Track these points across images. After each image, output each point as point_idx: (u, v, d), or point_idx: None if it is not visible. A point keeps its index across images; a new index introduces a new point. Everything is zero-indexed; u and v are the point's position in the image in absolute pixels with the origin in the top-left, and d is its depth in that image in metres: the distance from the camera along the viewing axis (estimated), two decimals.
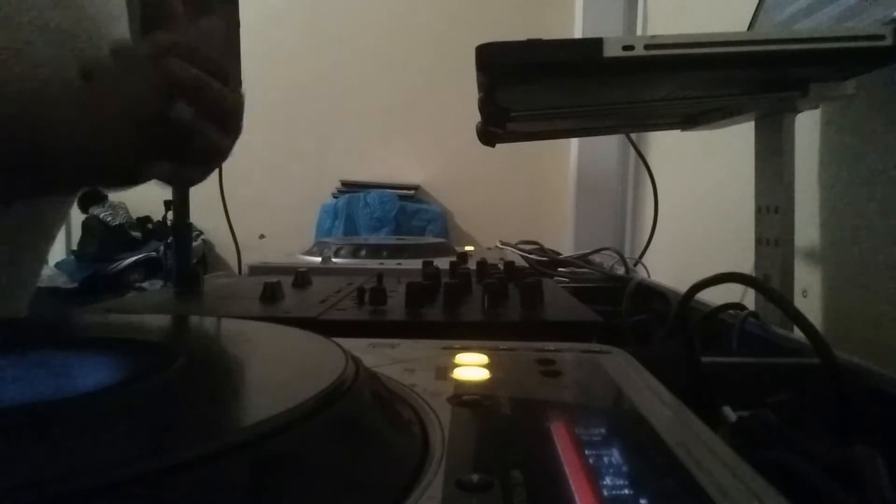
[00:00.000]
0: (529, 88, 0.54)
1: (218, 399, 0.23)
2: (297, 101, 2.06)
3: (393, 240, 1.46)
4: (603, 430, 0.23)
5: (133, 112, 0.42)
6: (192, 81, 0.43)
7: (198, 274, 0.64)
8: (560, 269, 0.97)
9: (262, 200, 2.00)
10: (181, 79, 0.43)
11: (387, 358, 0.33)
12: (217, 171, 1.02)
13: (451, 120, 1.85)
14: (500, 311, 0.50)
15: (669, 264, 1.20)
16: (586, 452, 0.21)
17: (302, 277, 0.64)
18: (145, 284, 1.82)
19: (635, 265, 1.09)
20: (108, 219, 1.92)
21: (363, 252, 0.99)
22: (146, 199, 1.97)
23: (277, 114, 2.04)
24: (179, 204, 0.62)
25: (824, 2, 0.60)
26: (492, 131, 0.70)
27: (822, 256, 0.71)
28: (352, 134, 2.07)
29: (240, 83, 0.71)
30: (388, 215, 1.85)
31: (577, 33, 1.79)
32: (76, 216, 1.98)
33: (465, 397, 0.27)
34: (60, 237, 1.99)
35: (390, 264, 0.90)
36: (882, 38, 0.45)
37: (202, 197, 0.85)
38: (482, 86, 0.53)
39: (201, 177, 0.52)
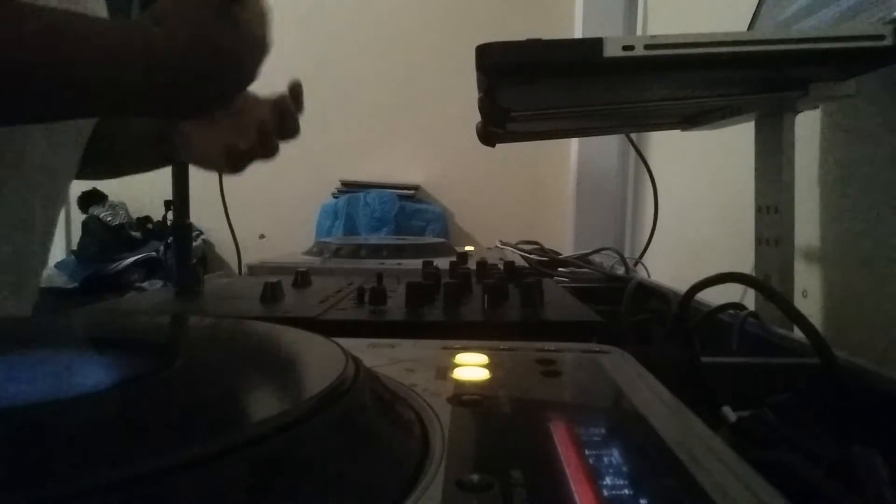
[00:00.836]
0: (529, 88, 0.54)
1: (218, 399, 0.23)
2: None
3: (393, 240, 1.46)
4: (603, 430, 0.23)
5: None
6: None
7: (198, 274, 0.64)
8: (560, 269, 0.97)
9: (262, 200, 2.00)
10: None
11: (387, 358, 0.33)
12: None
13: (451, 120, 1.85)
14: (500, 311, 0.50)
15: (669, 264, 1.20)
16: (586, 452, 0.21)
17: (302, 277, 0.64)
18: (145, 284, 1.81)
19: (635, 265, 1.09)
20: (108, 219, 1.92)
21: (363, 252, 0.99)
22: (146, 199, 1.98)
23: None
24: (179, 204, 0.62)
25: (824, 2, 0.60)
26: (492, 131, 0.70)
27: (822, 256, 0.71)
28: (352, 134, 2.07)
29: None
30: (388, 215, 1.85)
31: (577, 33, 1.79)
32: (76, 216, 1.98)
33: (465, 397, 0.27)
34: (60, 237, 1.99)
35: (390, 264, 0.90)
36: (882, 38, 0.45)
37: (202, 197, 0.85)
38: (482, 86, 0.53)
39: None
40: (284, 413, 0.19)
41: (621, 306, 0.77)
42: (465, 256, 0.84)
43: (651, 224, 1.14)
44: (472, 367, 0.32)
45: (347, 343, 0.28)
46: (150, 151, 0.65)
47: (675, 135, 0.86)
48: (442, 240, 1.42)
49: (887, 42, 0.45)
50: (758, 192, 0.65)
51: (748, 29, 0.74)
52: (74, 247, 1.97)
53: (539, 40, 0.47)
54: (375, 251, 0.99)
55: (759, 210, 0.65)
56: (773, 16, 0.70)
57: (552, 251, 1.08)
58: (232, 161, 0.59)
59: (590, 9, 1.75)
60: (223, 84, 0.42)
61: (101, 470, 0.15)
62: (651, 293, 0.77)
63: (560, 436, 0.22)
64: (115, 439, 0.18)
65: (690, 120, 0.78)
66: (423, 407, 0.26)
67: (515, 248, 1.13)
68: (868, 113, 0.63)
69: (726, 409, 0.34)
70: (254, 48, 0.42)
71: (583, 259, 1.00)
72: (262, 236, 1.94)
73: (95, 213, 1.93)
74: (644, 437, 0.23)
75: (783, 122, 0.61)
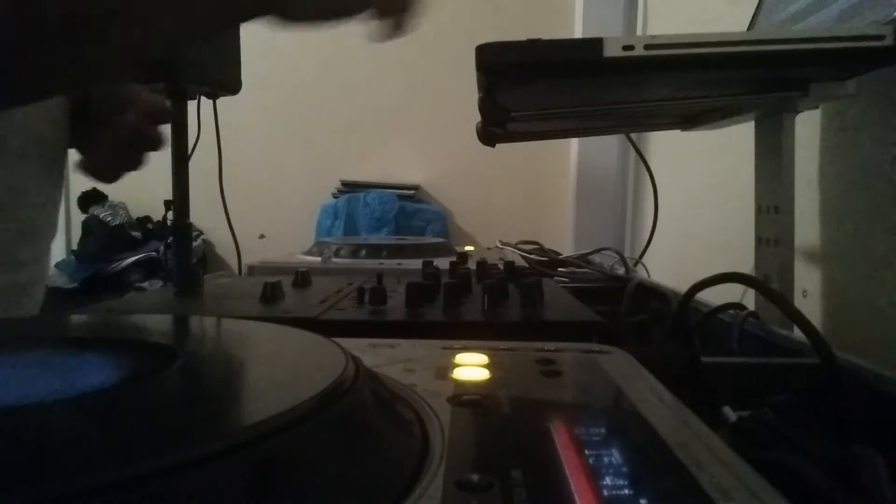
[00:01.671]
0: (529, 88, 0.54)
1: (218, 399, 0.23)
2: (297, 101, 2.06)
3: (393, 240, 1.46)
4: (603, 430, 0.23)
5: None
6: None
7: (198, 274, 0.64)
8: (560, 269, 0.97)
9: (262, 200, 2.00)
10: None
11: (387, 358, 0.33)
12: (217, 171, 1.02)
13: (451, 120, 1.85)
14: (500, 311, 0.50)
15: (669, 264, 1.20)
16: (586, 452, 0.21)
17: (302, 277, 0.64)
18: (145, 284, 1.82)
19: (635, 265, 1.09)
20: (108, 219, 1.92)
21: (363, 252, 0.99)
22: (146, 199, 1.98)
23: (277, 114, 2.04)
24: (179, 204, 0.62)
25: (824, 2, 0.60)
26: (492, 131, 0.70)
27: (822, 256, 0.71)
28: (352, 134, 2.07)
29: (240, 83, 0.71)
30: (388, 215, 1.85)
31: (577, 33, 1.79)
32: (76, 216, 1.98)
33: (465, 397, 0.27)
34: (60, 237, 1.99)
35: (390, 264, 0.90)
36: (882, 38, 0.45)
37: (202, 197, 0.85)
38: (482, 86, 0.53)
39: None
40: (284, 413, 0.19)
41: (621, 306, 0.77)
42: (465, 256, 0.84)
43: (651, 224, 1.14)
44: (472, 367, 0.32)
45: (347, 343, 0.28)
46: None
47: (675, 135, 0.86)
48: (442, 240, 1.42)
49: (887, 42, 0.45)
50: (758, 192, 0.65)
51: (748, 29, 0.74)
52: (74, 247, 1.98)
53: (539, 40, 0.47)
54: (375, 251, 0.99)
55: (759, 210, 0.65)
56: (773, 16, 0.70)
57: (552, 251, 1.08)
58: (117, 163, 0.57)
59: (590, 9, 1.75)
60: None
61: (100, 470, 0.15)
62: (651, 293, 0.77)
63: (560, 436, 0.22)
64: (114, 439, 0.18)
65: (690, 120, 0.78)
66: (422, 407, 0.26)
67: (515, 248, 1.13)
68: (868, 113, 0.63)
69: (726, 409, 0.34)
70: None
71: (583, 259, 1.00)
72: (262, 236, 1.94)
73: (95, 213, 1.94)
74: (644, 437, 0.23)
75: (783, 122, 0.61)
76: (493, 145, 0.75)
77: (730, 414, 0.34)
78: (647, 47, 0.46)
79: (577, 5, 1.83)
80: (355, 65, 2.04)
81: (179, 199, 0.62)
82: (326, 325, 0.46)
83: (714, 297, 0.53)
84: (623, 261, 0.99)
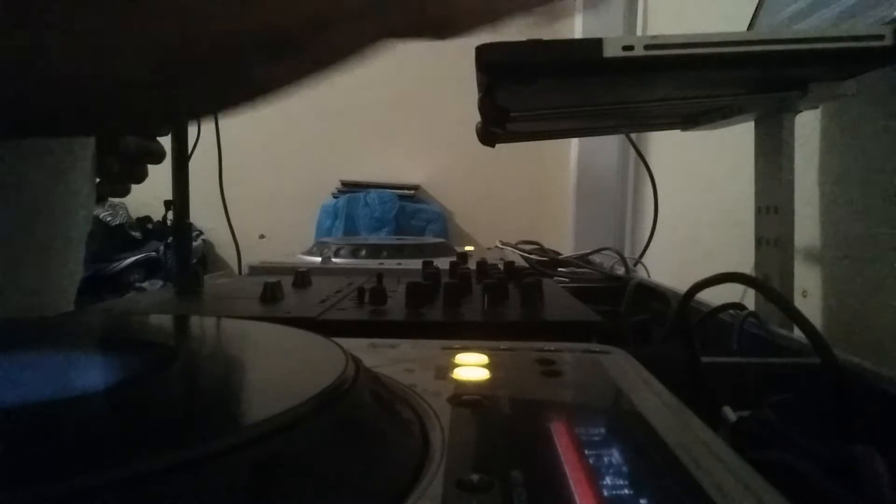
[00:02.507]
0: (529, 88, 0.54)
1: (218, 399, 0.23)
2: (297, 101, 2.05)
3: (393, 240, 1.46)
4: (603, 430, 0.23)
5: None
6: None
7: (198, 274, 0.64)
8: (560, 269, 0.97)
9: (262, 200, 2.00)
10: None
11: (387, 358, 0.33)
12: (217, 171, 1.02)
13: (451, 120, 1.85)
14: (500, 311, 0.50)
15: (669, 264, 1.20)
16: (586, 452, 0.21)
17: (302, 277, 0.64)
18: (145, 284, 1.81)
19: (635, 265, 1.09)
20: (108, 219, 1.92)
21: (363, 252, 0.99)
22: (146, 199, 1.98)
23: (277, 114, 2.03)
24: (179, 204, 0.62)
25: (824, 2, 0.60)
26: (492, 131, 0.70)
27: (822, 256, 0.71)
28: (352, 134, 2.07)
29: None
30: (388, 215, 1.85)
31: (577, 33, 1.79)
32: None
33: (465, 397, 0.27)
34: None
35: (390, 264, 0.90)
36: (882, 38, 0.45)
37: (202, 197, 0.85)
38: (482, 86, 0.53)
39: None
40: (284, 413, 0.19)
41: (621, 306, 0.77)
42: (465, 256, 0.84)
43: (651, 224, 1.14)
44: (472, 367, 0.32)
45: (347, 343, 0.28)
46: None
47: (675, 135, 0.86)
48: (442, 240, 1.42)
49: (887, 42, 0.45)
50: (758, 192, 0.65)
51: (748, 29, 0.74)
52: None
53: (539, 40, 0.47)
54: (375, 251, 0.99)
55: (759, 210, 0.65)
56: (773, 16, 0.70)
57: (552, 251, 1.08)
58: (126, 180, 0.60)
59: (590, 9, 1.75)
60: None
61: (100, 470, 0.15)
62: (651, 293, 0.77)
63: (560, 436, 0.22)
64: (114, 439, 0.18)
65: (690, 120, 0.78)
66: (422, 407, 0.26)
67: (515, 248, 1.13)
68: (868, 113, 0.63)
69: (726, 409, 0.34)
70: None
71: (583, 259, 1.00)
72: (262, 236, 1.94)
73: (95, 213, 1.93)
74: (644, 437, 0.23)
75: (783, 122, 0.61)
76: (493, 145, 0.75)
77: (730, 414, 0.34)
78: (647, 47, 0.46)
79: (577, 5, 1.83)
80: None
81: (179, 199, 0.62)
82: (326, 325, 0.46)
83: (714, 297, 0.53)
84: (623, 261, 0.99)
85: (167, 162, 0.62)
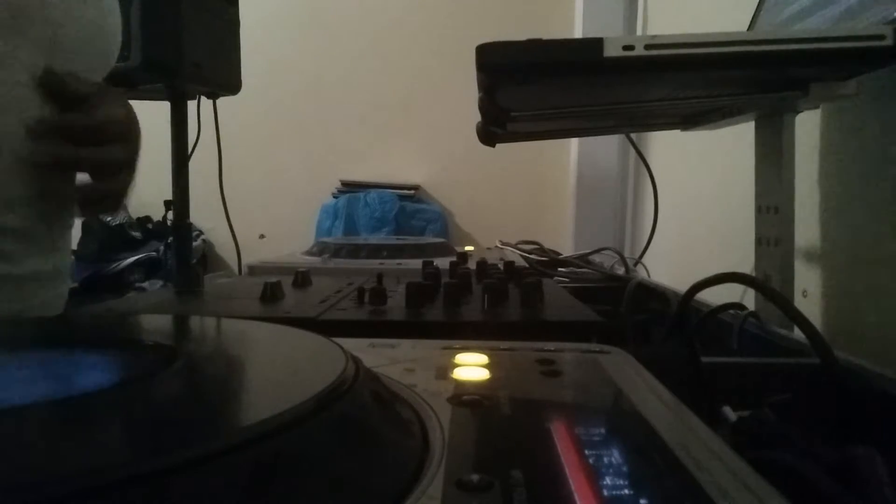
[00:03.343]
0: (529, 88, 0.54)
1: (218, 399, 0.23)
2: (297, 101, 2.06)
3: (393, 240, 1.46)
4: (603, 430, 0.23)
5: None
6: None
7: (198, 274, 0.64)
8: (560, 269, 0.97)
9: (262, 200, 2.00)
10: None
11: (387, 358, 0.33)
12: (217, 171, 1.02)
13: (451, 120, 1.85)
14: (500, 311, 0.50)
15: (669, 264, 1.20)
16: (586, 452, 0.21)
17: (302, 277, 0.64)
18: (145, 284, 1.81)
19: (635, 265, 1.09)
20: (108, 219, 1.92)
21: (363, 252, 0.99)
22: (146, 199, 1.97)
23: (277, 114, 2.04)
24: (179, 204, 0.62)
25: (824, 2, 0.60)
26: (492, 131, 0.70)
27: (822, 256, 0.71)
28: (352, 134, 2.07)
29: (240, 83, 0.71)
30: (388, 215, 1.85)
31: (577, 33, 1.79)
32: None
33: (465, 397, 0.27)
34: None
35: (390, 264, 0.90)
36: (882, 38, 0.45)
37: (202, 197, 0.85)
38: (482, 86, 0.53)
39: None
40: (284, 413, 0.19)
41: (621, 306, 0.77)
42: (465, 256, 0.84)
43: (651, 224, 1.14)
44: (472, 367, 0.32)
45: (347, 343, 0.28)
46: None
47: (675, 135, 0.86)
48: (442, 240, 1.42)
49: (887, 42, 0.45)
50: (758, 192, 0.65)
51: (748, 29, 0.74)
52: (74, 247, 1.97)
53: (539, 40, 0.47)
54: (375, 251, 0.99)
55: (759, 210, 0.65)
56: (773, 16, 0.70)
57: (552, 251, 1.08)
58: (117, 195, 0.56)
59: (590, 9, 1.75)
60: None
61: (100, 470, 0.15)
62: (651, 293, 0.77)
63: (560, 436, 0.22)
64: (114, 439, 0.18)
65: (690, 120, 0.78)
66: (423, 407, 0.26)
67: (515, 248, 1.13)
68: (868, 113, 0.63)
69: (726, 409, 0.35)
70: None
71: (583, 259, 1.00)
72: (262, 236, 1.94)
73: None
74: (644, 437, 0.23)
75: (783, 122, 0.61)
76: (493, 145, 0.75)
77: (730, 414, 0.34)
78: (647, 47, 0.46)
79: (577, 5, 1.83)
80: (355, 65, 2.04)
81: (179, 199, 0.62)
82: (326, 325, 0.46)
83: (714, 297, 0.53)
84: (623, 261, 0.99)
85: (167, 162, 0.62)
